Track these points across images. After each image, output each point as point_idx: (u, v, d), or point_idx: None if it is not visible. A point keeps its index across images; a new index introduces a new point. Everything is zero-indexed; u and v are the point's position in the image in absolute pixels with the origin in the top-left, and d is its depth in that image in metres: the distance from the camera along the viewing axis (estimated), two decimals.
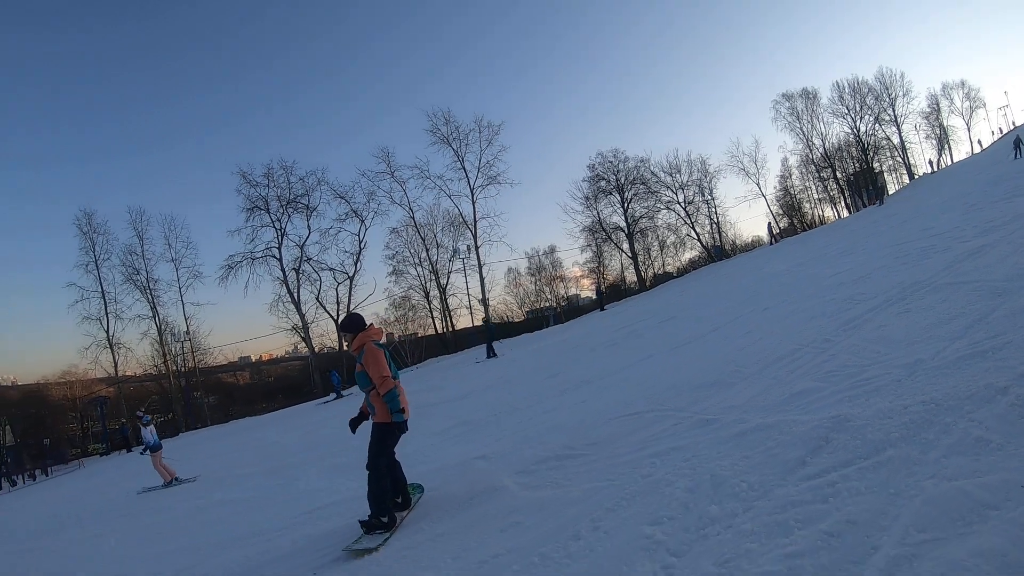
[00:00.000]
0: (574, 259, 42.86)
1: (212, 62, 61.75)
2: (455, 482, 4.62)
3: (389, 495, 4.20)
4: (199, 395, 32.96)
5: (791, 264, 13.72)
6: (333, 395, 23.70)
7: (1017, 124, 32.54)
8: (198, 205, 59.30)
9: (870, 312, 5.88)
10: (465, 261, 35.36)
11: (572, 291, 41.42)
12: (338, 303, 34.13)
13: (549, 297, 39.64)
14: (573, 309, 38.29)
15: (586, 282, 40.45)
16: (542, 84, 64.71)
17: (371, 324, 4.50)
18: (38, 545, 7.57)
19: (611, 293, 36.42)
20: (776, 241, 24.30)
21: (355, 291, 35.04)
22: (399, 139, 77.49)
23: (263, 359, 41.75)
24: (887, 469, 2.42)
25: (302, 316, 33.40)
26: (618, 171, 38.23)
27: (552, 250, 39.76)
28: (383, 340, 4.47)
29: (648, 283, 38.03)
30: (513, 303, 39.59)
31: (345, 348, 3.96)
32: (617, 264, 39.44)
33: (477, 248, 35.58)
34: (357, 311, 5.88)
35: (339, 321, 3.95)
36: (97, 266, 33.50)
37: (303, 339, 33.94)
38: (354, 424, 4.43)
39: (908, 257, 8.40)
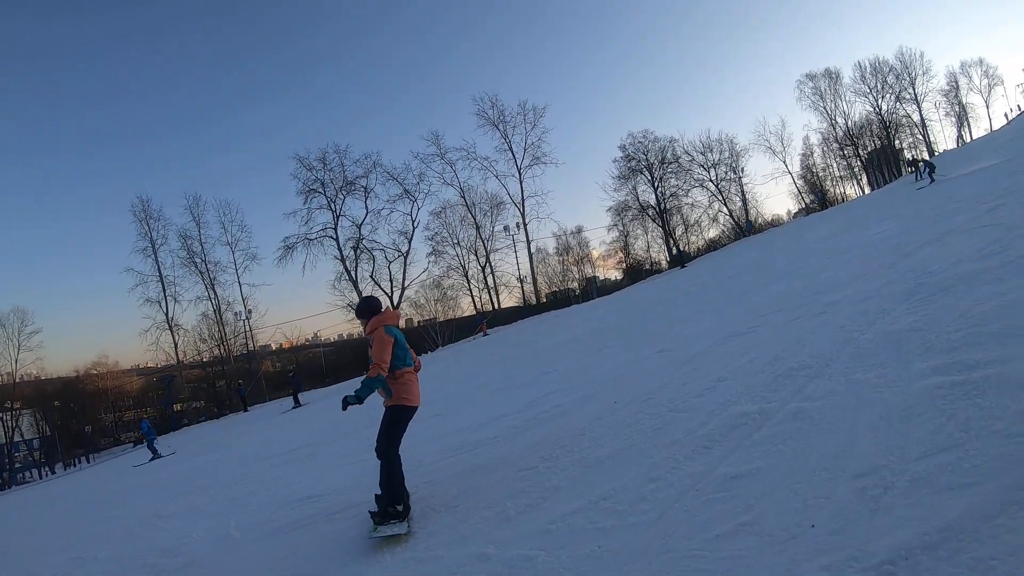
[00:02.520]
0: (601, 238, 46.35)
1: (271, 59, 66.80)
2: (663, 356, 7.21)
3: (402, 482, 4.32)
4: (240, 382, 35.64)
5: (833, 230, 16.51)
6: (147, 451, 18.91)
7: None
8: (249, 189, 67.14)
9: (918, 248, 8.26)
10: (515, 237, 38.55)
11: (599, 272, 44.57)
12: (391, 280, 37.26)
13: (576, 276, 42.63)
14: (599, 289, 41.20)
15: (611, 262, 43.60)
16: (572, 69, 69.68)
17: (387, 308, 4.71)
18: (246, 472, 9.61)
19: (636, 273, 39.40)
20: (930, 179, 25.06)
21: (408, 268, 39.19)
22: (443, 123, 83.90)
23: (284, 347, 44.38)
24: (960, 291, 5.05)
25: (360, 293, 36.34)
26: (648, 151, 41.28)
27: (579, 230, 42.97)
28: (398, 324, 4.70)
29: (669, 263, 40.90)
30: (542, 283, 42.66)
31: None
32: (643, 244, 42.55)
33: (525, 225, 38.89)
34: (373, 296, 6.50)
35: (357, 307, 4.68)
36: (154, 251, 36.30)
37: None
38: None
39: (939, 217, 10.74)
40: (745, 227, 40.57)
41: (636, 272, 41.66)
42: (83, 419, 39.67)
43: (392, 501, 4.20)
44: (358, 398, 4.11)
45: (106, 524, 8.56)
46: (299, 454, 9.94)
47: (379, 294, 37.80)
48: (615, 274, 45.00)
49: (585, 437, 4.93)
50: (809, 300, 7.36)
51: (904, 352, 4.14)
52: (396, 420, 4.36)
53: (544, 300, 41.19)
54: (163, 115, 65.01)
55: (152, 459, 17.89)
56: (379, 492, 4.28)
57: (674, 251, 37.74)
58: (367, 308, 4.67)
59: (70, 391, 40.51)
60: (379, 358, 4.24)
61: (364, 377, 4.26)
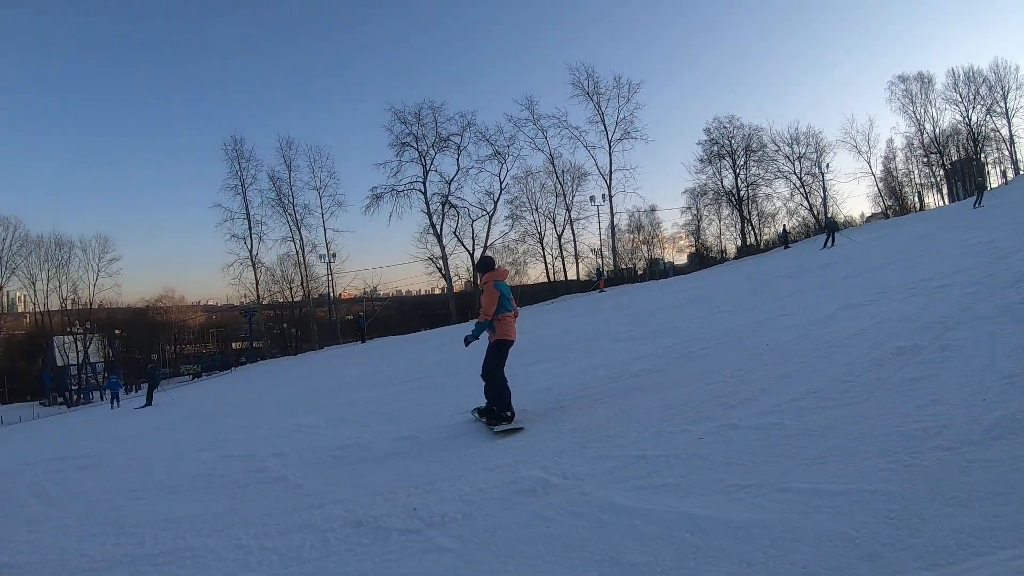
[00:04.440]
0: (673, 220, 47.84)
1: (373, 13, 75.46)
2: (786, 319, 8.72)
3: (509, 396, 5.84)
4: (360, 314, 37.94)
5: (918, 235, 17.67)
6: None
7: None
8: (339, 137, 74.86)
9: (1012, 253, 9.40)
10: (599, 208, 40.23)
11: (667, 255, 45.89)
12: (473, 238, 39.40)
13: (645, 255, 43.98)
14: (661, 272, 42.44)
15: (678, 244, 44.80)
16: (667, 48, 70.67)
17: (499, 266, 6.17)
18: (375, 395, 10.58)
19: (703, 259, 40.50)
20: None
21: (492, 228, 41.46)
22: (535, 90, 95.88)
23: (343, 297, 46.59)
24: None
25: (443, 248, 38.69)
26: (732, 137, 42.16)
27: (653, 209, 44.22)
28: (505, 279, 6.13)
29: (738, 252, 41.70)
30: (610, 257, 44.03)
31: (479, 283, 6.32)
32: (715, 230, 43.67)
33: (611, 198, 40.47)
34: (489, 254, 8.53)
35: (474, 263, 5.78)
36: (243, 189, 38.92)
37: (439, 270, 39.38)
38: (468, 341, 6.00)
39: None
40: (825, 223, 41.00)
41: (703, 257, 42.80)
42: (147, 349, 42.49)
43: (503, 408, 5.78)
44: (475, 336, 5.88)
45: (242, 431, 9.20)
46: (426, 382, 10.88)
47: (461, 251, 40.91)
48: (680, 258, 46.31)
49: (760, 361, 6.47)
50: (917, 285, 8.72)
51: (1018, 316, 5.66)
52: (499, 351, 5.90)
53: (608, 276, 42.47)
54: (264, 62, 75.03)
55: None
56: (480, 407, 6.18)
57: (784, 230, 38.64)
58: (484, 265, 6.22)
59: (137, 321, 43.33)
60: (486, 308, 5.81)
61: (476, 321, 5.97)
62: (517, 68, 73.13)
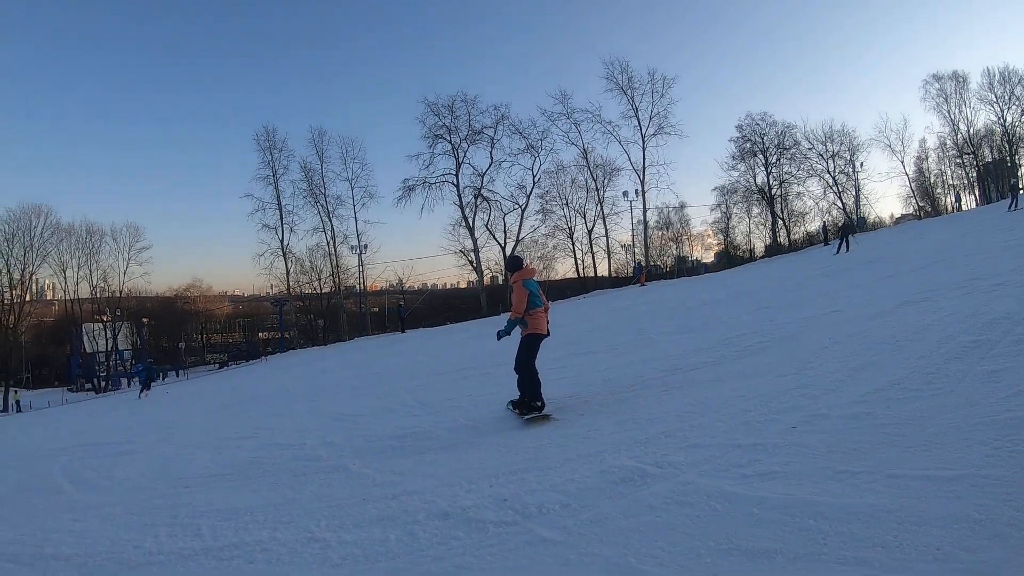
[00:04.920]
0: (702, 217, 47.79)
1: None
2: (840, 315, 8.82)
3: (539, 386, 6.19)
4: (401, 304, 38.43)
5: (956, 235, 17.62)
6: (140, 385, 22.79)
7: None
8: (371, 127, 77.59)
9: None
10: (632, 203, 40.29)
11: (695, 252, 45.80)
12: (505, 232, 39.59)
13: (673, 252, 43.89)
14: (691, 269, 42.41)
15: (709, 241, 44.70)
16: (697, 43, 70.42)
17: (527, 264, 6.50)
18: (418, 384, 10.48)
19: (731, 258, 40.37)
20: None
21: (524, 222, 41.73)
22: (569, 84, 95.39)
23: (370, 289, 47.03)
24: None
25: (475, 241, 39.04)
26: (765, 134, 41.95)
27: (682, 206, 44.05)
28: (534, 277, 6.43)
29: (766, 251, 41.45)
30: (640, 255, 44.07)
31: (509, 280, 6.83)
32: (744, 228, 43.51)
33: (644, 193, 40.44)
34: (517, 253, 8.64)
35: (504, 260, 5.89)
36: (275, 179, 39.46)
37: (470, 263, 39.58)
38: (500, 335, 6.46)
39: None
40: (856, 223, 40.63)
41: (731, 256, 42.67)
42: (175, 337, 43.15)
43: (534, 398, 6.14)
44: (507, 332, 6.30)
45: (284, 420, 9.21)
46: (470, 372, 10.79)
47: (492, 244, 41.31)
48: (707, 256, 46.24)
49: (828, 354, 6.62)
50: (970, 283, 8.82)
51: None
52: (530, 345, 6.24)
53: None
54: (298, 52, 78.61)
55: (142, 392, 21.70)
56: (514, 399, 6.41)
57: (819, 226, 38.80)
58: (513, 264, 6.55)
59: (165, 309, 44.00)
60: (516, 306, 6.17)
61: (507, 318, 6.32)
62: (551, 61, 73.55)
